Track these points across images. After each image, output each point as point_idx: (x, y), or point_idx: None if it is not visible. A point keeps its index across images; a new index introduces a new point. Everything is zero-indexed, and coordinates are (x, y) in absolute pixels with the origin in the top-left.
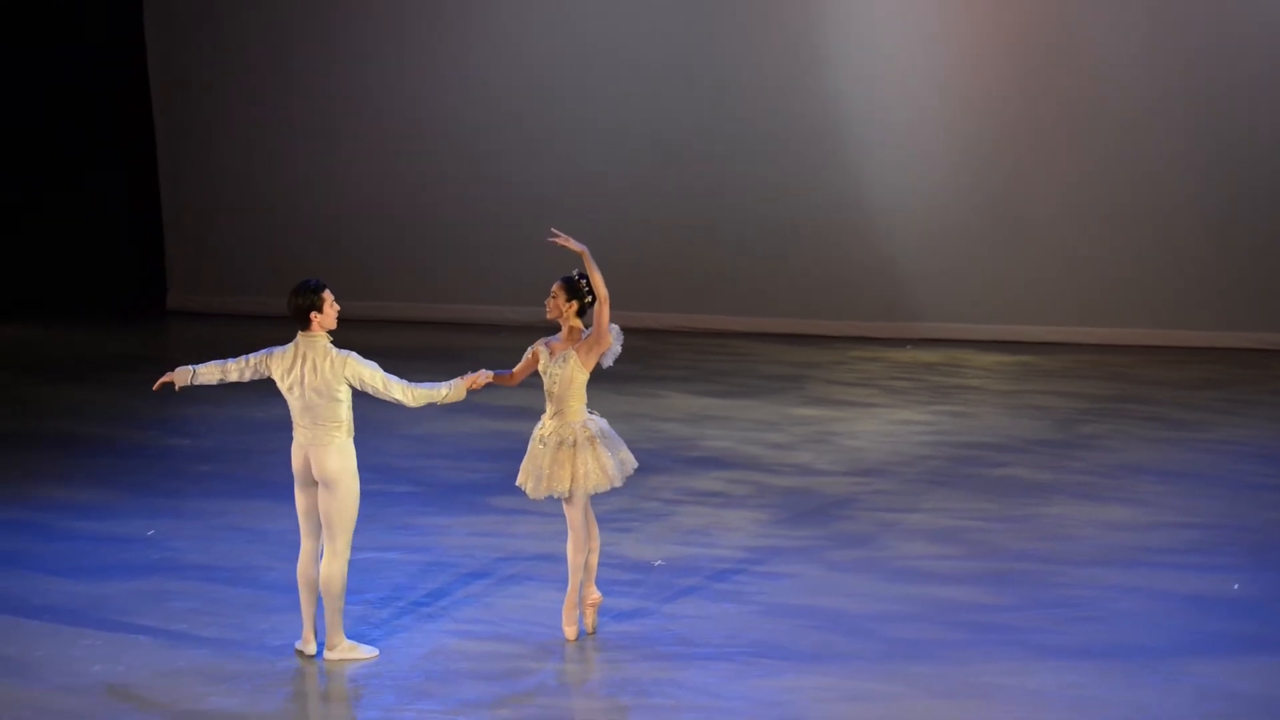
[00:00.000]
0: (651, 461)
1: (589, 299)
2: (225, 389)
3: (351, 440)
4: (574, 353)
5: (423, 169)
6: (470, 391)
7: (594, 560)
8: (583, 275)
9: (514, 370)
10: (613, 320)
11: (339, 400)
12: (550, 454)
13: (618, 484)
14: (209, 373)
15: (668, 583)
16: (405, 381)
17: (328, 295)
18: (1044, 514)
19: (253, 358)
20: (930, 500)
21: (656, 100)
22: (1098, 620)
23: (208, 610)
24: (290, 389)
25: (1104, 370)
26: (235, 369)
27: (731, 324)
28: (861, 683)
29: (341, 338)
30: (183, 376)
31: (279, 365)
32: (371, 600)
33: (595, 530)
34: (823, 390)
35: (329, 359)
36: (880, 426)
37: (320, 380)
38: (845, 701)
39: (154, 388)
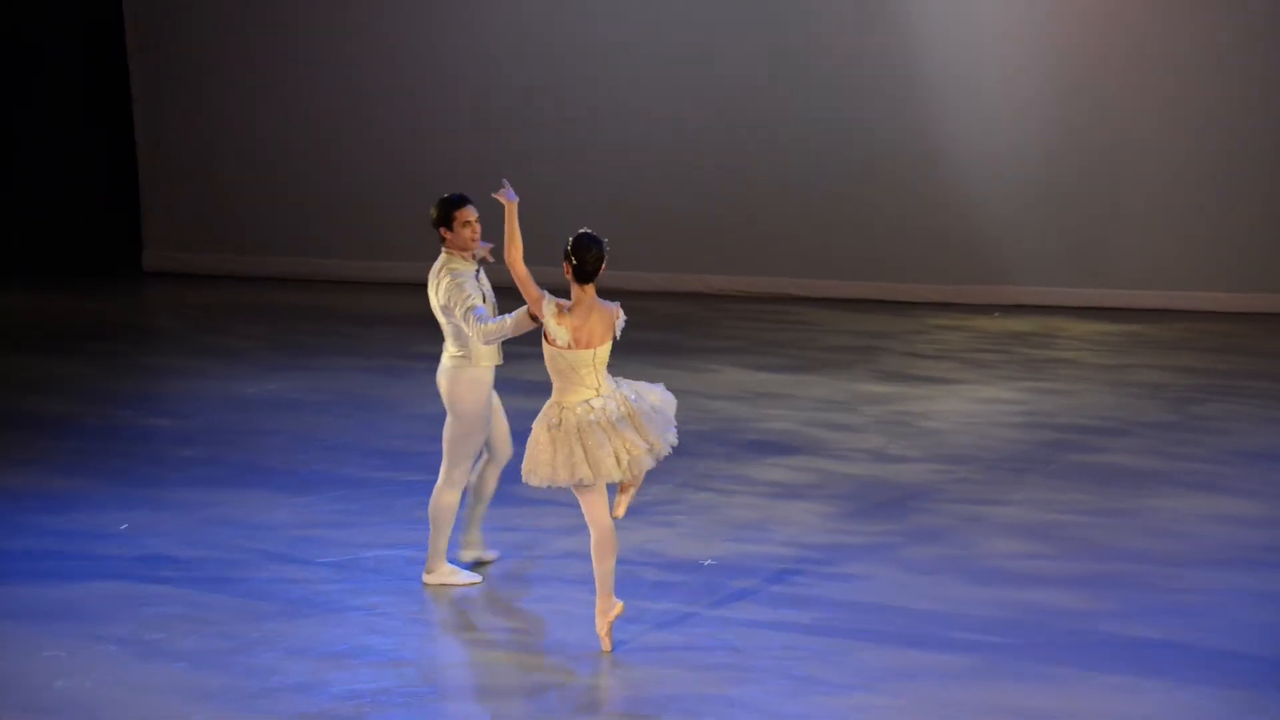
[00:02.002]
0: (700, 446)
1: (576, 263)
2: (209, 361)
3: (479, 367)
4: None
5: (433, 113)
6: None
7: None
8: (586, 234)
9: None
10: (659, 281)
11: (448, 322)
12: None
13: (559, 483)
14: None
15: (718, 585)
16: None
17: (461, 213)
18: (1153, 507)
19: None
20: (1021, 491)
21: (708, 36)
22: (1216, 630)
23: (189, 617)
24: None
25: (1221, 341)
26: None
27: (792, 287)
28: (942, 702)
29: (348, 300)
30: None
31: None
32: (380, 604)
33: (592, 529)
34: (897, 364)
35: (438, 279)
36: (963, 406)
37: (433, 300)
38: None
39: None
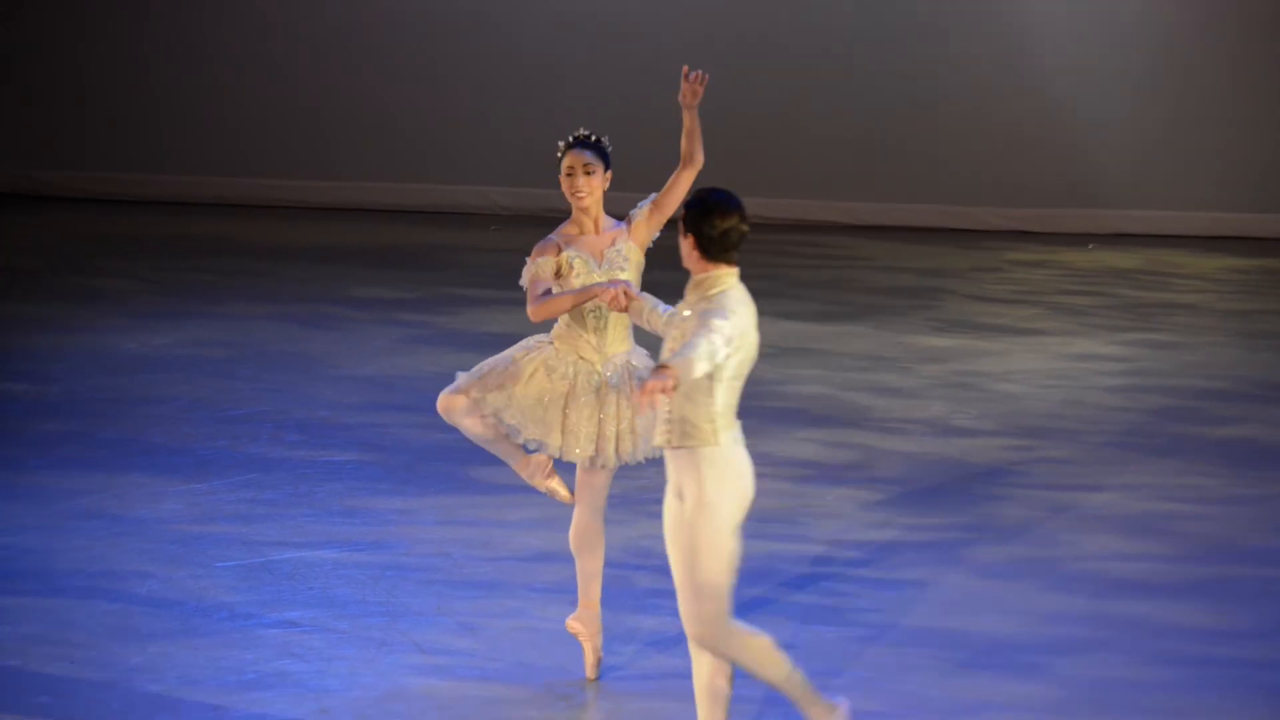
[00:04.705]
0: None
1: None
2: (76, 308)
3: None
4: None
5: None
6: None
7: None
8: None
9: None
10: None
11: None
12: None
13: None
14: None
15: (734, 593)
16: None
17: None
18: None
19: None
20: (1122, 473)
21: None
22: None
23: (51, 638)
24: None
25: None
26: None
27: (830, 212)
28: None
29: (264, 229)
30: None
31: None
32: (298, 620)
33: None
34: (964, 310)
35: None
36: (1049, 364)
37: None
38: None
39: None
